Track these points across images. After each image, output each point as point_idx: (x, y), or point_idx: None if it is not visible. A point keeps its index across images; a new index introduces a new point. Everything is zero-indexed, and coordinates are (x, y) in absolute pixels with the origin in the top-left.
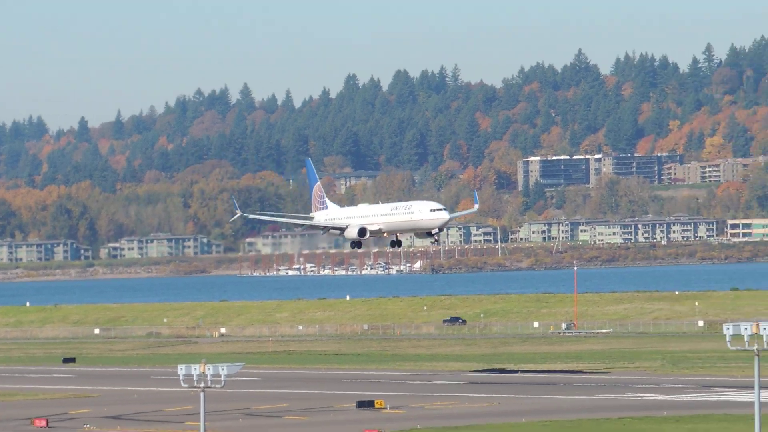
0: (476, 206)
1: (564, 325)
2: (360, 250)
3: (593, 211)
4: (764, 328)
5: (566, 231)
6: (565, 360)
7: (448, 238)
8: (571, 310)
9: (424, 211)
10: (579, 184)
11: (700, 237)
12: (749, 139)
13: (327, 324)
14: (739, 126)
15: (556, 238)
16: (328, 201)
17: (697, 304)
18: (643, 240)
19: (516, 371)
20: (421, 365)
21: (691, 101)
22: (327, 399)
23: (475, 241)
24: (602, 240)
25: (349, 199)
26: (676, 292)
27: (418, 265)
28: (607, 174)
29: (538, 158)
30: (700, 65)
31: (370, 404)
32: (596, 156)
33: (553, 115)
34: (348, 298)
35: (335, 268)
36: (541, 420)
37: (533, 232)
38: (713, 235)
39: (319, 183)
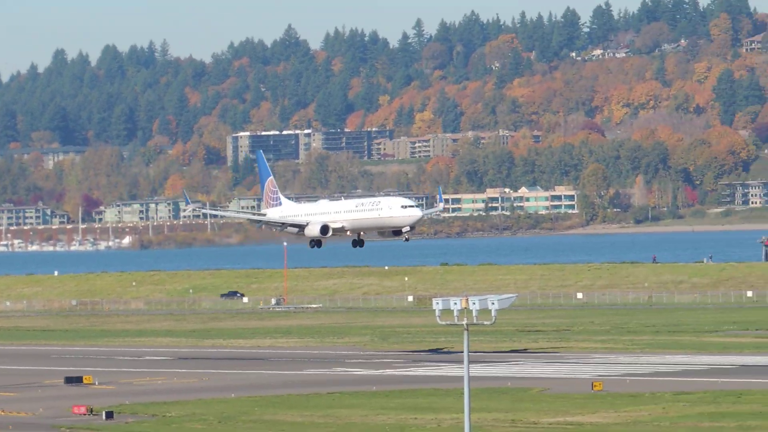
0: (441, 204)
1: (274, 301)
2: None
3: (303, 186)
4: (473, 303)
5: None
6: (274, 335)
7: (157, 213)
8: (281, 285)
9: (395, 208)
10: (289, 159)
11: None
12: (459, 114)
13: (35, 300)
14: (449, 101)
15: None
16: (281, 197)
17: (406, 279)
18: None
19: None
20: (130, 341)
21: (401, 76)
22: (35, 375)
23: (184, 216)
24: None
25: (57, 175)
26: (386, 267)
27: (126, 240)
28: (316, 149)
29: (247, 133)
30: (410, 40)
31: (78, 380)
32: (306, 131)
33: (263, 90)
34: (56, 273)
35: (43, 244)
36: (250, 395)
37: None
38: None
39: (272, 177)
